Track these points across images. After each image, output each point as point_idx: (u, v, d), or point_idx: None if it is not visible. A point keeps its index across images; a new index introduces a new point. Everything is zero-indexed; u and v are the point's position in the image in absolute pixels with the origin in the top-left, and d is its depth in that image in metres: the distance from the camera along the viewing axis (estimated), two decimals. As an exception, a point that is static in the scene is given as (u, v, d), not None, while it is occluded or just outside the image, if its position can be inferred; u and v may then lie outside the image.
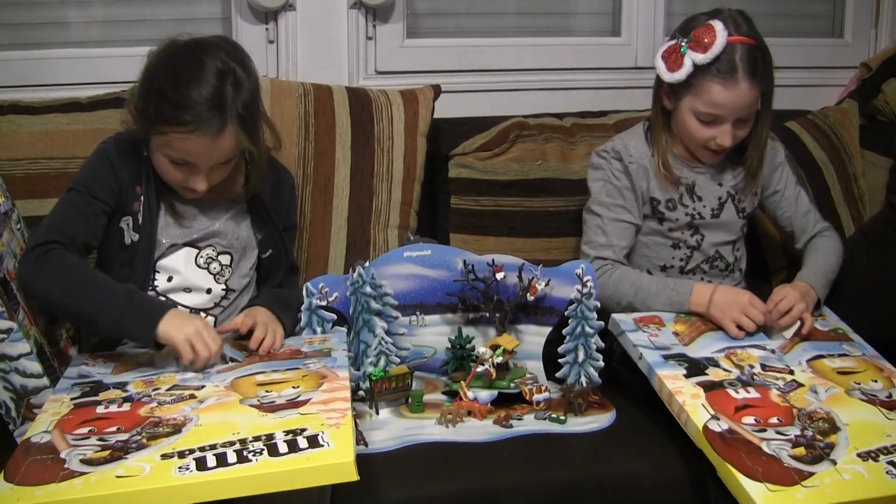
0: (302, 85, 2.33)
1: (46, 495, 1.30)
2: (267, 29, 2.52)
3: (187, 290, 1.87)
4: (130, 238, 1.82)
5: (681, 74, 2.02)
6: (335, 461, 1.36)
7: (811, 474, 1.51)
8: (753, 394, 1.72)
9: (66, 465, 1.36)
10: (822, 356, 1.89)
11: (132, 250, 1.82)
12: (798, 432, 1.62)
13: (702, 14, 2.06)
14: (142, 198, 1.83)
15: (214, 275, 1.90)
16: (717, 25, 1.98)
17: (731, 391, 1.72)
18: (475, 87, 2.70)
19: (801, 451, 1.57)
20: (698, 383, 1.74)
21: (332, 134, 2.30)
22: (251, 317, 1.84)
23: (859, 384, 1.80)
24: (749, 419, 1.64)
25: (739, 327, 1.94)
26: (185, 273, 1.87)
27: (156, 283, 1.85)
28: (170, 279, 1.86)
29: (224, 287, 1.91)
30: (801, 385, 1.77)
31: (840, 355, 1.90)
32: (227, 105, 1.73)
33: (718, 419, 1.63)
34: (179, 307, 1.84)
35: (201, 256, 1.89)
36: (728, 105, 2.00)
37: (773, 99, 2.13)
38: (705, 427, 1.61)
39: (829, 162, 2.63)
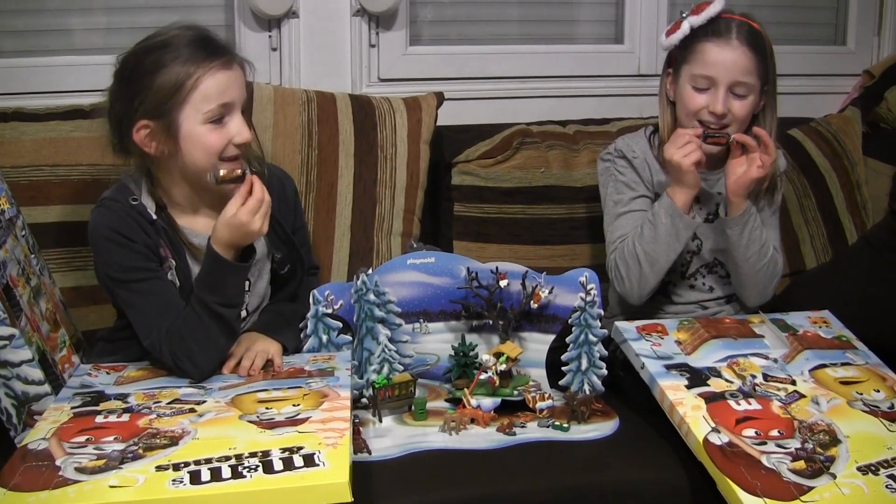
0: (305, 92, 2.34)
1: (39, 502, 1.31)
2: (270, 36, 2.53)
3: None
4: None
5: (676, 36, 2.06)
6: (329, 481, 1.35)
7: (810, 488, 1.51)
8: (754, 405, 1.72)
9: (60, 473, 1.37)
10: (824, 365, 1.88)
11: None
12: (798, 445, 1.62)
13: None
14: (172, 261, 1.81)
15: None
16: (717, 1, 2.05)
17: (732, 403, 1.72)
18: (478, 94, 2.70)
19: (800, 464, 1.57)
20: (700, 394, 1.74)
21: (335, 141, 2.30)
22: (238, 350, 1.83)
23: (861, 394, 1.79)
24: (749, 431, 1.64)
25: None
26: None
27: None
28: None
29: (245, 312, 1.92)
30: (802, 396, 1.77)
31: (843, 364, 1.89)
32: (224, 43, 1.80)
33: (719, 432, 1.63)
34: None
35: None
36: (721, 63, 2.00)
37: (776, 100, 2.14)
38: (706, 440, 1.61)
39: (832, 170, 2.63)
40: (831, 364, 1.89)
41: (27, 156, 2.08)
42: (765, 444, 1.62)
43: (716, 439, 1.61)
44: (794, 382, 1.81)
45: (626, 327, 1.94)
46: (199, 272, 1.79)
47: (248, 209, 1.71)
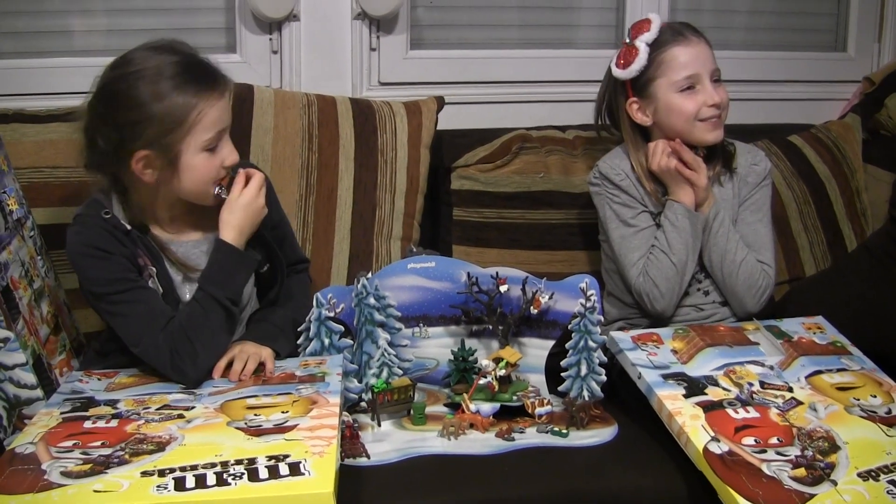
0: (306, 95, 2.34)
1: None
2: (271, 39, 2.53)
3: None
4: None
5: (642, 57, 2.10)
6: (314, 491, 1.34)
7: (812, 496, 1.51)
8: (753, 413, 1.72)
9: (45, 477, 1.37)
10: (820, 371, 1.88)
11: None
12: (798, 452, 1.62)
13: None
14: (152, 268, 1.81)
15: None
16: (649, 15, 2.14)
17: (730, 411, 1.72)
18: (478, 98, 2.71)
19: (801, 471, 1.57)
20: (697, 403, 1.73)
21: (335, 145, 2.30)
22: (228, 354, 1.82)
23: (858, 400, 1.79)
24: (749, 440, 1.64)
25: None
26: None
27: None
28: None
29: None
30: (800, 403, 1.77)
31: (839, 370, 1.89)
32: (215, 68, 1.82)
33: (718, 441, 1.63)
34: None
35: None
36: (694, 59, 2.09)
37: None
38: (705, 449, 1.61)
39: (832, 176, 2.63)
40: (827, 370, 1.88)
41: (27, 157, 2.08)
42: (764, 451, 1.61)
43: (716, 448, 1.61)
44: (790, 389, 1.81)
45: (622, 337, 1.94)
46: (205, 268, 1.81)
47: (254, 188, 1.83)
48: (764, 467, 1.57)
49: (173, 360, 1.72)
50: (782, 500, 1.50)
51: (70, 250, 1.79)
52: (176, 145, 1.73)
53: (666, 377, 1.81)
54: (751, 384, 1.81)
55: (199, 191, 1.81)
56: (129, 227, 1.80)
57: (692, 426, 1.66)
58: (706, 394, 1.77)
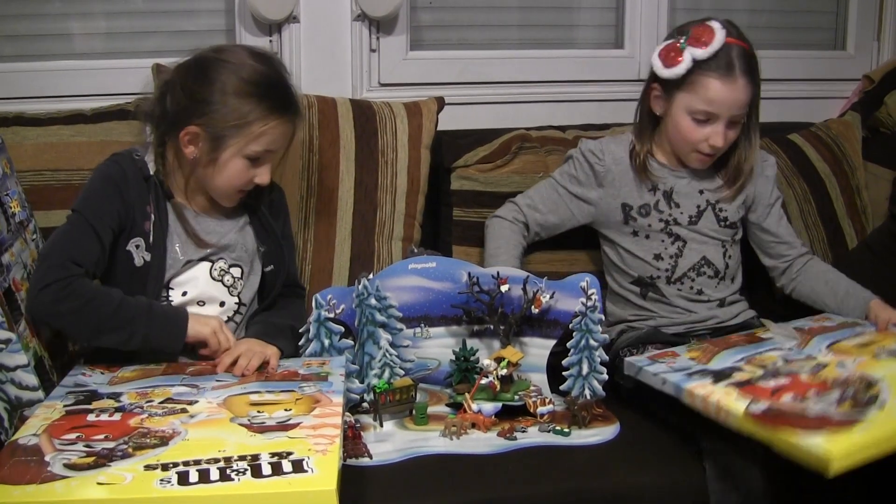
0: (306, 97, 2.33)
1: (25, 496, 1.30)
2: (271, 41, 2.53)
3: (201, 303, 1.89)
4: (142, 259, 1.83)
5: (680, 69, 2.06)
6: (317, 488, 1.34)
7: (863, 419, 1.53)
8: (784, 381, 1.71)
9: (48, 468, 1.36)
10: (839, 340, 1.91)
11: (144, 271, 1.82)
12: (838, 396, 1.62)
13: (696, 20, 2.10)
14: (152, 216, 1.83)
15: (228, 287, 1.91)
16: (715, 25, 2.04)
17: (761, 383, 1.70)
18: (478, 99, 2.71)
19: (846, 405, 1.58)
20: (728, 384, 1.71)
21: (336, 146, 2.30)
22: (236, 350, 1.81)
23: (884, 348, 1.82)
24: (787, 397, 1.63)
25: None
26: (202, 286, 1.89)
27: (170, 299, 1.86)
28: (184, 294, 1.87)
29: (237, 300, 1.92)
30: (827, 365, 1.77)
31: (856, 336, 1.92)
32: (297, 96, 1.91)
33: (758, 402, 1.61)
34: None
35: (215, 269, 1.90)
36: (724, 101, 2.04)
37: (759, 110, 2.15)
38: (746, 411, 1.59)
39: (832, 174, 2.63)
40: (845, 339, 1.91)
41: (28, 161, 2.08)
42: (805, 401, 1.61)
43: (756, 408, 1.59)
44: (814, 358, 1.82)
45: (637, 359, 1.91)
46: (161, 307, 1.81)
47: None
48: (808, 410, 1.57)
49: (58, 289, 1.67)
50: (836, 424, 1.50)
51: (95, 172, 1.85)
52: (226, 140, 1.80)
53: (691, 374, 1.78)
54: (774, 363, 1.80)
55: (223, 190, 1.88)
56: (151, 173, 1.85)
57: (727, 400, 1.64)
58: (733, 377, 1.75)
